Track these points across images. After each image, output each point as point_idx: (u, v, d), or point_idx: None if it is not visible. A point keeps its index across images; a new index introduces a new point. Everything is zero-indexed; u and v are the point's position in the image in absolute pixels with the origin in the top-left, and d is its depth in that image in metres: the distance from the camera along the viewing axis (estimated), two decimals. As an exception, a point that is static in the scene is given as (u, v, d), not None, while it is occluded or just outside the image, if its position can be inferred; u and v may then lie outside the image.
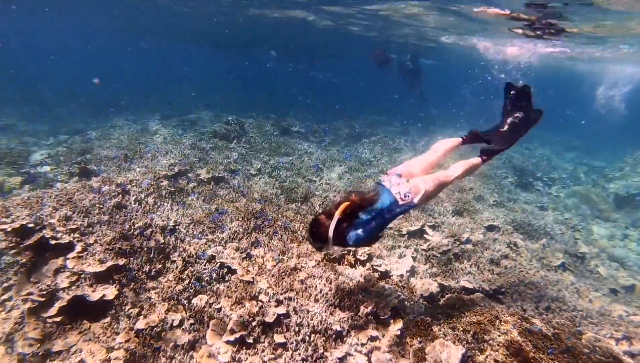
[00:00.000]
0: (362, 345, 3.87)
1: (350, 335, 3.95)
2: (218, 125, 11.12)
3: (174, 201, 6.07)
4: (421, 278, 5.48)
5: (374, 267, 5.15)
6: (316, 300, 4.26)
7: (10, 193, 7.43)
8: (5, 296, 4.71)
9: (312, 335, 3.88)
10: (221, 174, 7.54)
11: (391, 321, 4.16)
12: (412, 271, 5.59)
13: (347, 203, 3.23)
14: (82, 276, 4.27)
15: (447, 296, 5.04)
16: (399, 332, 4.04)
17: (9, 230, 4.54)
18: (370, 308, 4.19)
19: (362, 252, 5.25)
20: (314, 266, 4.85)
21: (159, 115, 14.25)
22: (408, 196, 3.47)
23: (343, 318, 4.07)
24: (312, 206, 7.11)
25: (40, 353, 3.92)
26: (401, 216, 3.76)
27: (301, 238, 5.53)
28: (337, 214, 3.15)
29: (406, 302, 4.69)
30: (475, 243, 6.95)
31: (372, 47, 18.60)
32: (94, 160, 7.85)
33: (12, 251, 4.43)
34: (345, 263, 5.08)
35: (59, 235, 4.55)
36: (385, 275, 5.13)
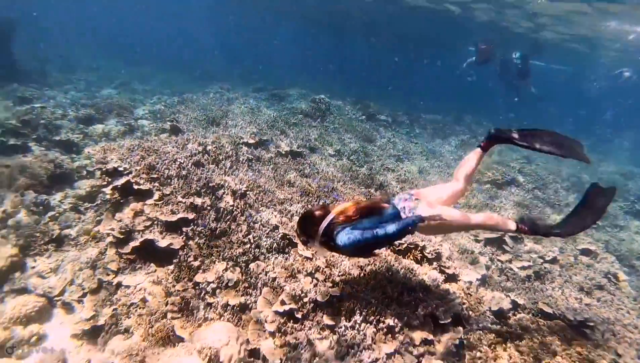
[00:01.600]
0: (414, 346, 3.57)
1: (403, 333, 3.66)
2: (305, 103, 11.20)
3: (249, 168, 6.20)
4: (492, 290, 4.94)
5: (442, 267, 4.74)
6: (373, 289, 4.03)
7: (114, 140, 8.26)
8: (97, 228, 5.22)
9: (363, 324, 3.67)
10: (300, 150, 7.55)
11: (451, 328, 3.78)
12: (484, 281, 5.06)
13: (349, 204, 3.02)
14: (155, 222, 4.53)
15: (519, 315, 4.47)
16: (457, 342, 3.65)
17: (104, 169, 4.98)
18: (430, 309, 3.84)
19: (431, 250, 4.86)
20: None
21: (252, 88, 14.81)
22: (412, 212, 3.06)
23: (399, 313, 3.79)
24: (386, 194, 6.81)
25: (114, 284, 4.26)
26: (404, 236, 3.14)
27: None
28: (333, 212, 2.95)
29: (471, 312, 4.24)
30: (564, 265, 6.10)
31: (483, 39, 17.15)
32: (184, 120, 8.35)
33: (106, 190, 4.84)
34: (411, 257, 4.75)
35: (141, 182, 4.87)
36: (453, 279, 4.69)
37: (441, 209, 3.12)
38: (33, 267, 4.82)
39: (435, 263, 4.81)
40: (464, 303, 4.19)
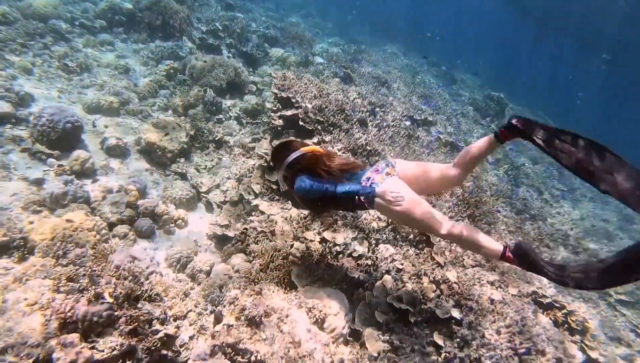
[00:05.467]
0: None
1: None
2: (480, 95, 10.11)
3: (408, 148, 5.79)
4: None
5: (585, 345, 3.90)
6: (497, 332, 3.48)
7: (289, 67, 8.58)
8: (253, 145, 5.52)
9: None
10: (461, 144, 6.86)
11: None
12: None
13: (320, 149, 2.81)
14: (307, 164, 4.54)
15: None
16: None
17: (278, 96, 5.12)
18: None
19: (578, 319, 3.99)
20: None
21: (423, 57, 13.96)
22: (373, 185, 2.54)
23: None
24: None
25: (252, 204, 4.47)
26: (354, 206, 2.61)
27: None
28: (304, 149, 2.76)
29: None
30: None
31: None
32: (358, 72, 8.20)
33: (273, 115, 4.98)
34: (551, 316, 3.98)
35: (307, 120, 4.88)
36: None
37: (409, 195, 2.45)
38: (195, 158, 5.35)
39: (578, 336, 3.98)
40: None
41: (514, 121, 2.34)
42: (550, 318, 3.89)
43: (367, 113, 5.65)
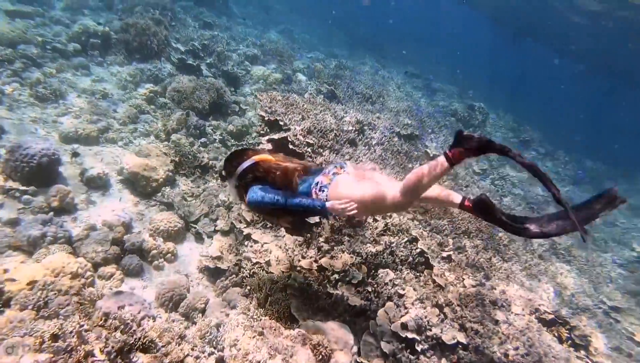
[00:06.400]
0: None
1: None
2: (461, 105, 10.24)
3: (398, 165, 5.75)
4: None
5: (588, 361, 3.86)
6: (505, 355, 3.40)
7: (271, 85, 8.48)
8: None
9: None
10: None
11: None
12: None
13: (270, 157, 2.67)
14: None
15: None
16: None
17: (266, 119, 4.99)
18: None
19: (581, 334, 3.97)
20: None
21: (405, 71, 14.12)
22: (324, 190, 2.48)
23: None
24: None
25: (244, 233, 4.29)
26: (309, 215, 2.71)
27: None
28: (256, 158, 2.63)
29: None
30: None
31: None
32: (341, 88, 8.16)
33: (262, 139, 4.85)
34: (555, 333, 3.94)
35: (297, 143, 4.77)
36: None
37: (357, 191, 2.41)
38: (180, 186, 5.14)
39: (582, 352, 3.96)
40: None
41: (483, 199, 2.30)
42: (554, 335, 3.85)
43: (356, 133, 5.58)
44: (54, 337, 2.48)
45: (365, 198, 2.41)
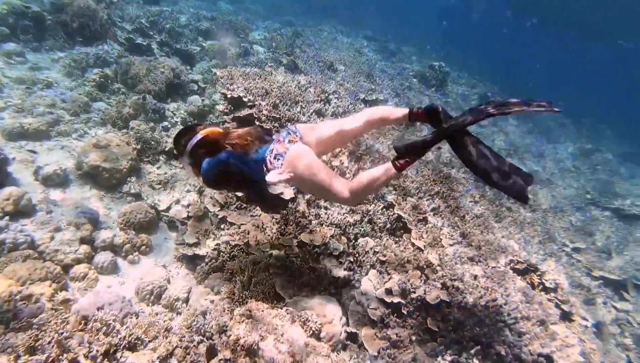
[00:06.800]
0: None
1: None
2: (422, 66, 10.25)
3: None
4: (605, 343, 4.27)
5: (558, 301, 4.14)
6: (487, 308, 3.59)
7: (228, 60, 8.12)
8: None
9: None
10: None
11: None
12: (598, 329, 4.38)
13: (218, 129, 2.63)
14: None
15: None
16: None
17: (228, 96, 4.79)
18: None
19: (551, 278, 4.23)
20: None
21: (363, 35, 13.90)
22: (279, 159, 2.46)
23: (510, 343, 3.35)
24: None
25: (219, 217, 4.19)
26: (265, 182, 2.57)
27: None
28: (201, 133, 2.57)
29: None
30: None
31: None
32: (301, 58, 7.94)
33: (226, 118, 4.67)
34: (527, 280, 4.17)
35: (263, 119, 4.63)
36: (568, 317, 4.09)
37: (309, 163, 2.46)
38: (146, 174, 4.92)
39: (552, 294, 4.23)
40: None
41: (436, 106, 2.42)
42: (527, 282, 4.07)
43: (322, 102, 5.48)
44: (31, 350, 2.36)
45: (316, 181, 2.45)
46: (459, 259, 4.08)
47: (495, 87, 12.33)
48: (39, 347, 2.29)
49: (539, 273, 4.17)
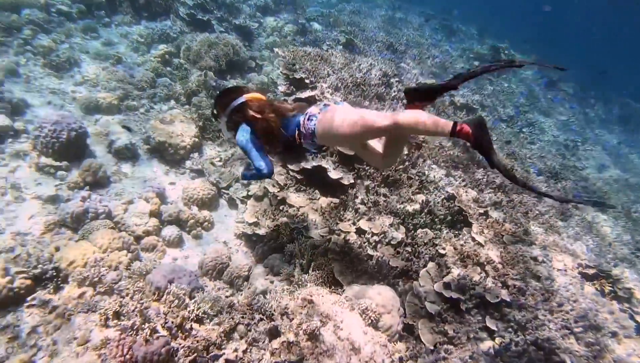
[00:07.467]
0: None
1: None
2: (484, 47, 9.68)
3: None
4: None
5: (633, 312, 3.88)
6: (551, 312, 3.43)
7: (285, 37, 8.07)
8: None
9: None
10: (474, 106, 6.59)
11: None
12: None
13: (262, 97, 2.65)
14: (332, 150, 4.30)
15: None
16: None
17: (291, 77, 4.77)
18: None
19: (625, 287, 3.96)
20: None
21: (418, 11, 13.26)
22: (312, 119, 2.42)
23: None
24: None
25: (278, 198, 4.26)
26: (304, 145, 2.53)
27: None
28: (247, 96, 2.61)
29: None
30: None
31: None
32: (359, 37, 7.73)
33: (288, 99, 4.66)
34: (597, 286, 3.94)
35: (325, 101, 4.58)
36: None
37: (338, 118, 2.33)
38: (208, 151, 5.07)
39: (625, 304, 3.97)
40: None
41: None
42: (597, 289, 3.84)
43: (383, 86, 5.33)
44: (116, 315, 2.55)
45: (353, 123, 2.27)
46: (521, 258, 3.90)
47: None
48: (125, 312, 2.47)
49: (610, 279, 3.92)
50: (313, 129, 2.43)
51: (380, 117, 2.22)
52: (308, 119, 2.46)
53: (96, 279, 2.97)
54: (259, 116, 2.57)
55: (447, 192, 4.31)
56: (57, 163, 4.01)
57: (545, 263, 3.93)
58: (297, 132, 2.53)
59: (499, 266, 3.75)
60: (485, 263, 3.76)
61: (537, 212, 4.79)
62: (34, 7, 6.43)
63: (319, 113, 2.46)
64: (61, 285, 2.96)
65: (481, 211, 4.33)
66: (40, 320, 2.69)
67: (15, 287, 2.72)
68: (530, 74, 10.69)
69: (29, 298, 2.79)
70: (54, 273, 2.92)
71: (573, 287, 3.61)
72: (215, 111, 2.79)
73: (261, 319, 3.09)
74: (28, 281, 2.80)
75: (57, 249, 3.14)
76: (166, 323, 2.52)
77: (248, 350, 2.86)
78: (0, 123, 4.05)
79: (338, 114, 2.36)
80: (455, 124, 2.04)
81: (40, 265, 2.84)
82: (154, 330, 2.38)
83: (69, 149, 4.12)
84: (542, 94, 9.87)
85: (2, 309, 2.64)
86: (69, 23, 6.56)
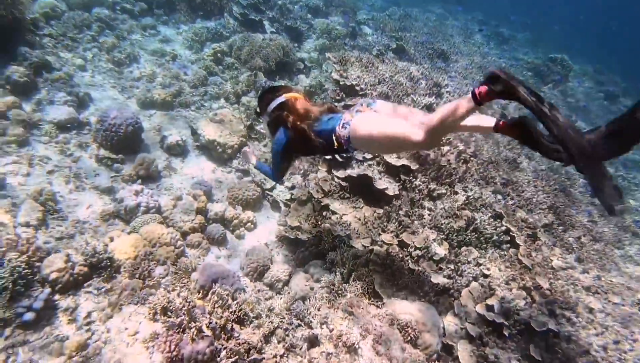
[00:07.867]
0: None
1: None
2: (537, 58, 9.23)
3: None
4: None
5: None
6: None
7: (334, 40, 8.07)
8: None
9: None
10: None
11: None
12: None
13: (301, 97, 2.65)
14: (377, 160, 4.26)
15: None
16: None
17: (341, 83, 4.76)
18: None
19: None
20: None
21: (470, 16, 12.86)
22: (346, 127, 2.38)
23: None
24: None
25: (321, 203, 4.26)
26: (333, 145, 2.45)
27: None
28: (287, 95, 2.62)
29: None
30: None
31: None
32: (410, 43, 7.59)
33: (337, 103, 4.66)
34: None
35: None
36: None
37: (369, 128, 2.32)
38: (254, 151, 5.16)
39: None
40: None
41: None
42: None
43: (433, 96, 5.21)
44: (164, 310, 2.64)
45: (386, 135, 2.27)
46: (572, 286, 3.70)
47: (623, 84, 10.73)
48: (173, 309, 2.55)
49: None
50: (348, 137, 2.42)
51: (415, 129, 2.15)
52: (343, 127, 2.46)
53: (145, 272, 3.10)
54: (292, 117, 2.59)
55: (494, 210, 4.14)
56: (114, 156, 4.22)
57: (600, 294, 3.70)
58: (334, 137, 2.50)
59: (547, 292, 3.57)
60: (532, 288, 3.59)
61: (591, 237, 4.52)
62: (103, 6, 6.80)
63: (351, 120, 2.44)
64: (114, 274, 3.11)
65: (529, 232, 4.14)
66: (95, 307, 2.84)
67: (75, 272, 2.88)
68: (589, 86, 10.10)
69: (85, 284, 2.96)
70: (108, 263, 3.07)
71: (632, 324, 3.37)
72: (258, 110, 2.84)
73: (299, 325, 3.12)
74: (85, 269, 2.97)
75: (112, 239, 3.30)
76: (210, 323, 2.58)
77: (285, 355, 2.89)
78: (67, 116, 4.32)
79: (368, 124, 2.35)
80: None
81: (96, 254, 3.00)
82: (199, 330, 2.45)
83: (126, 142, 4.32)
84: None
85: (64, 292, 2.81)
86: (131, 20, 6.89)
